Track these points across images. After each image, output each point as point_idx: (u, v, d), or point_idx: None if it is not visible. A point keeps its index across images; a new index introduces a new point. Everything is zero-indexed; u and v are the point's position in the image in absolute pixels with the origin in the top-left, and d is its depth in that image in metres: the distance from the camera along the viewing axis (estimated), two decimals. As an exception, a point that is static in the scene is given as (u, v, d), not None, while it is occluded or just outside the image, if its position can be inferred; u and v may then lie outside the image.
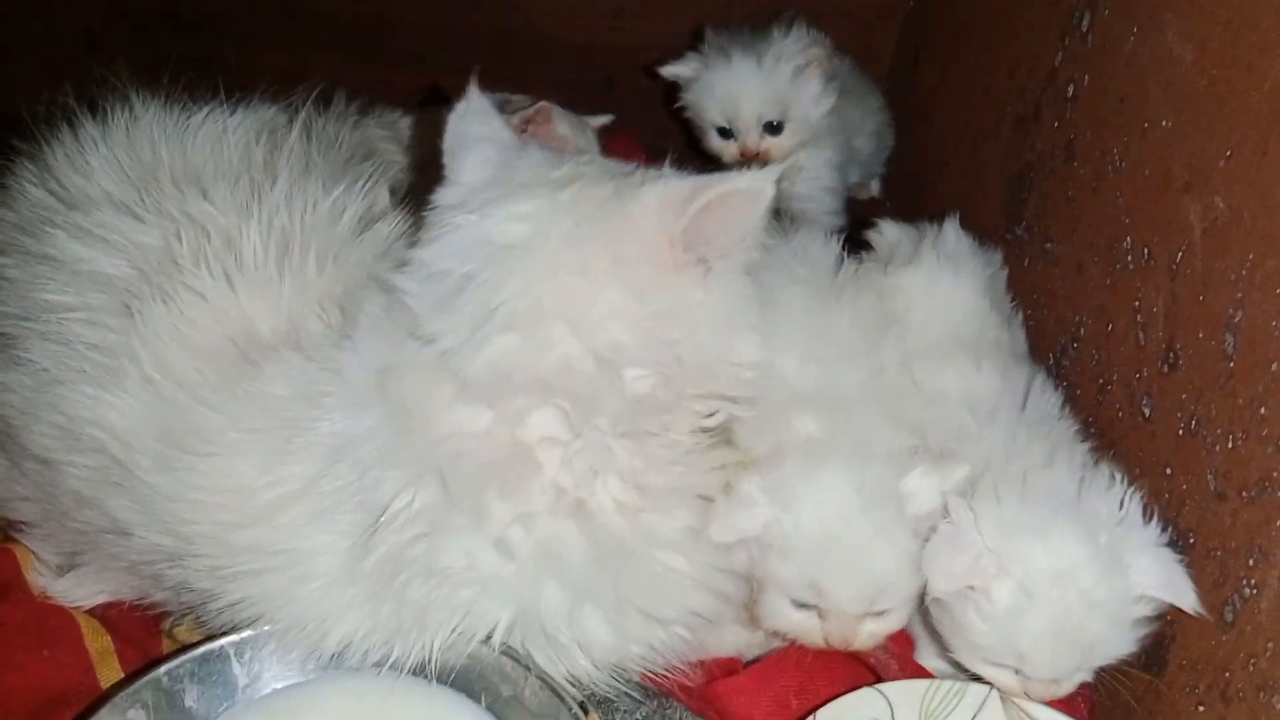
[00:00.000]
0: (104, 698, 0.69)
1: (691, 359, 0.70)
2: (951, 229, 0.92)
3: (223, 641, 0.73)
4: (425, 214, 0.73)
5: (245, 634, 0.73)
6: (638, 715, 0.78)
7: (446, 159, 0.75)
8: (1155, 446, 0.78)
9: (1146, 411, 0.79)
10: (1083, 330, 0.89)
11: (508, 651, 0.72)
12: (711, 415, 0.74)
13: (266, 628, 0.73)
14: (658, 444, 0.73)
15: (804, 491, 0.75)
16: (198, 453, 0.71)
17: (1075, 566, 0.68)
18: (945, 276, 0.89)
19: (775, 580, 0.76)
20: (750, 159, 1.21)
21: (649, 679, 0.80)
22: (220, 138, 0.83)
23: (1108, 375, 0.85)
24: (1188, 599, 0.69)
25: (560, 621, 0.73)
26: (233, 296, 0.75)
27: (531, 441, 0.70)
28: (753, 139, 1.21)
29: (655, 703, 0.79)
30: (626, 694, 0.79)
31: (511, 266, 0.67)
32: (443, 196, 0.73)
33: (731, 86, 1.19)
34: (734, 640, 0.86)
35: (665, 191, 0.67)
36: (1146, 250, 0.80)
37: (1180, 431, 0.75)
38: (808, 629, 0.77)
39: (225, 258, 0.75)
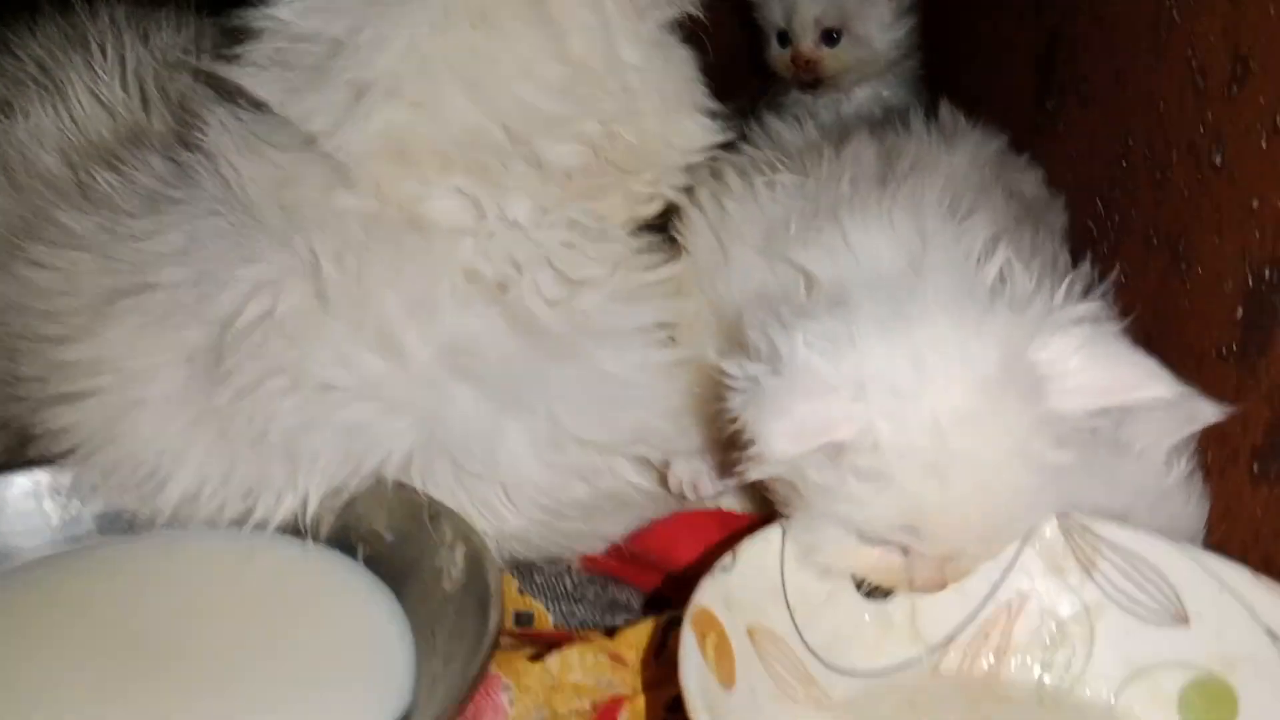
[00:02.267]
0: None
1: (627, 136, 0.61)
2: (944, 107, 0.78)
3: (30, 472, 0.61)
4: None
5: (58, 467, 0.60)
6: (564, 584, 0.62)
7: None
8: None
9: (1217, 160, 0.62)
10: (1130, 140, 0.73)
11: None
12: (651, 201, 0.65)
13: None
14: (591, 237, 0.61)
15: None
16: (36, 259, 0.63)
17: (960, 387, 0.47)
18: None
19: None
20: (801, 68, 1.14)
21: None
22: None
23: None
24: (1159, 385, 0.48)
25: (474, 445, 0.59)
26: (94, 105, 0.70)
27: (433, 226, 0.58)
28: (807, 45, 1.14)
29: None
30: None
31: (392, 22, 0.56)
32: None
33: (793, -17, 1.16)
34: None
35: None
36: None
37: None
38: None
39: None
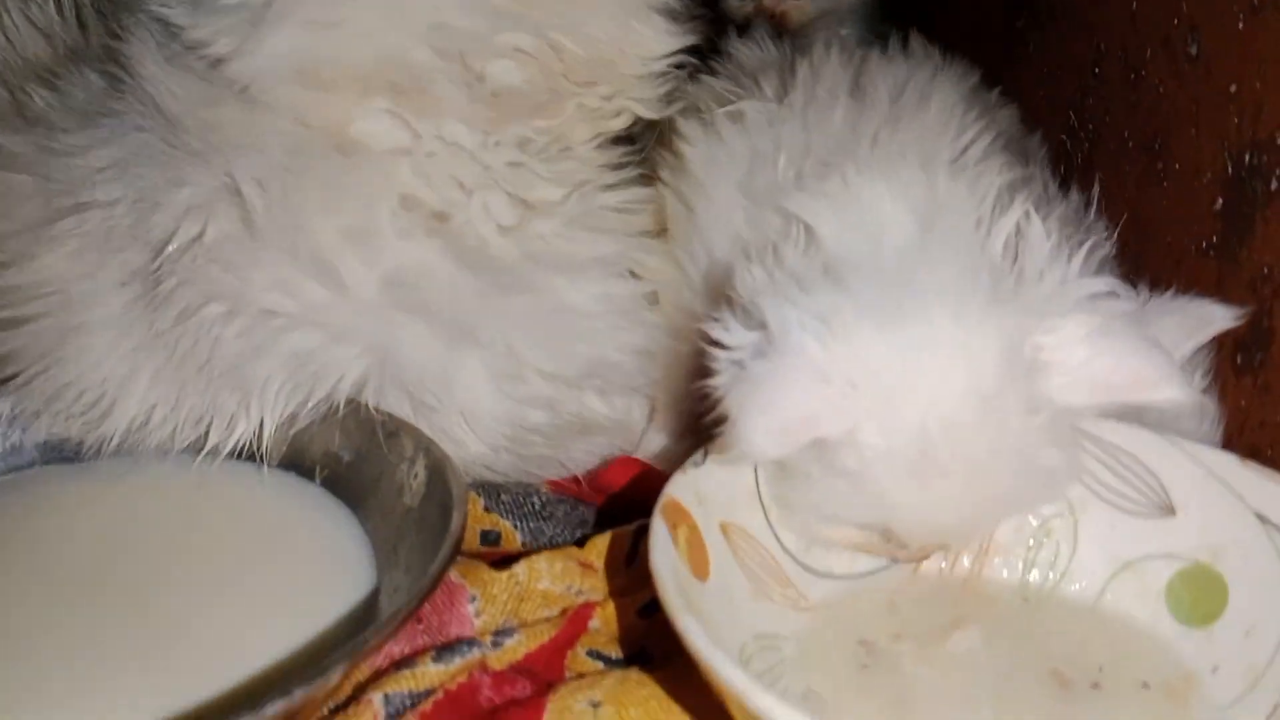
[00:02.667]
0: None
1: (572, 47, 0.57)
2: (915, 39, 0.73)
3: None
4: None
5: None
6: (532, 502, 0.60)
7: None
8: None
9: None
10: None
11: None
12: (616, 116, 0.60)
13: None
14: (546, 157, 0.58)
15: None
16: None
17: (953, 396, 0.43)
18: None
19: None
20: (766, 20, 1.10)
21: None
22: None
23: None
24: (1172, 386, 0.43)
25: (428, 376, 0.57)
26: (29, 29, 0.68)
27: (363, 150, 0.55)
28: (770, -2, 1.10)
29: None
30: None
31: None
32: None
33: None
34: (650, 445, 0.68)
35: None
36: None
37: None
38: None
39: None
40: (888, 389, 0.43)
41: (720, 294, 0.52)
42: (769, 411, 0.42)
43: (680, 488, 0.45)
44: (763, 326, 0.44)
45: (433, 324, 0.56)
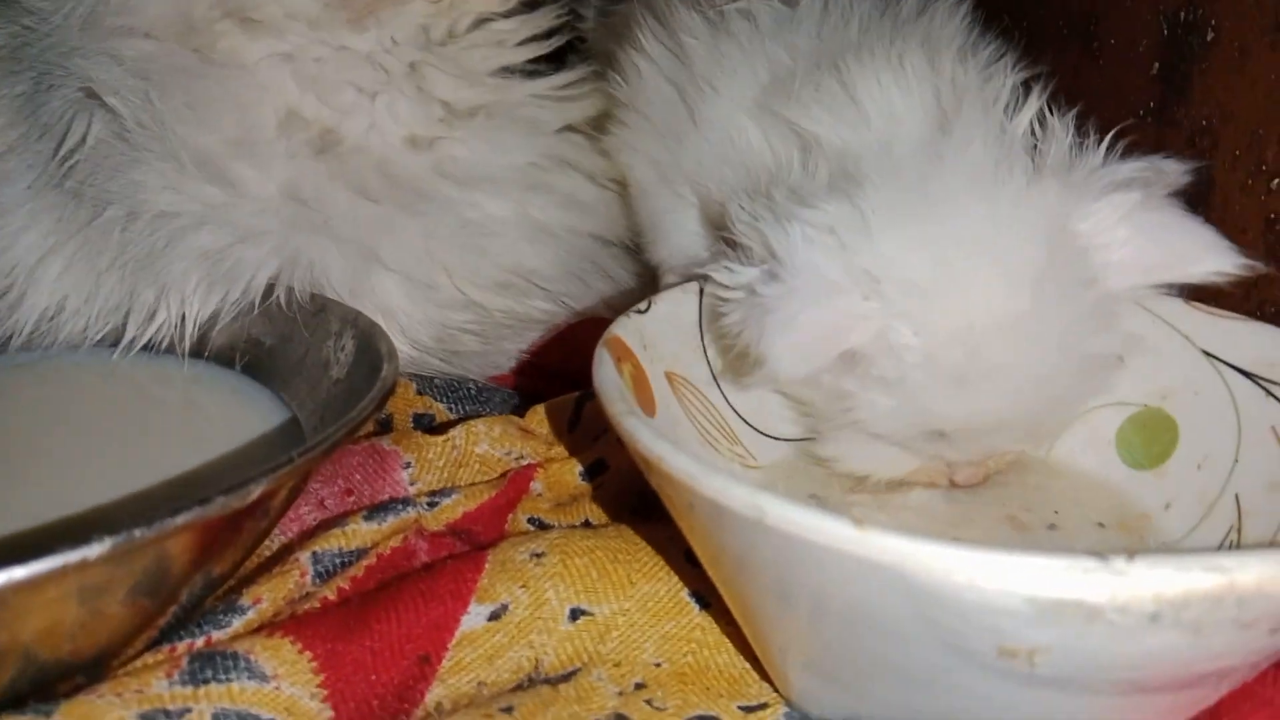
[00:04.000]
0: None
1: None
2: None
3: None
4: None
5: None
6: (468, 388, 0.57)
7: None
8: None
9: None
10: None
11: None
12: None
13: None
14: (451, 48, 0.56)
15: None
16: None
17: (999, 287, 0.39)
18: None
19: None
20: None
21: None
22: None
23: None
24: (1218, 257, 0.40)
25: (341, 286, 0.55)
26: None
27: (231, 62, 0.53)
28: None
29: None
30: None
31: None
32: None
33: None
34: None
35: None
36: None
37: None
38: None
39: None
40: (919, 287, 0.39)
41: (717, 231, 0.48)
42: (789, 330, 0.38)
43: (625, 329, 0.43)
44: (768, 253, 0.41)
45: (337, 243, 0.54)
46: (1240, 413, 0.44)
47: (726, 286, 0.42)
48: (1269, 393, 0.43)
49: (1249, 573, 0.26)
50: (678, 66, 0.54)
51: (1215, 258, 0.40)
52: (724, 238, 0.45)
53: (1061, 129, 0.42)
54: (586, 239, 0.61)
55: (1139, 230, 0.41)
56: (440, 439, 0.48)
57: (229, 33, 0.53)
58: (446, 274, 0.56)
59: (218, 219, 0.52)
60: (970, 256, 0.39)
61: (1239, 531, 0.42)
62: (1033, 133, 0.43)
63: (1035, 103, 0.44)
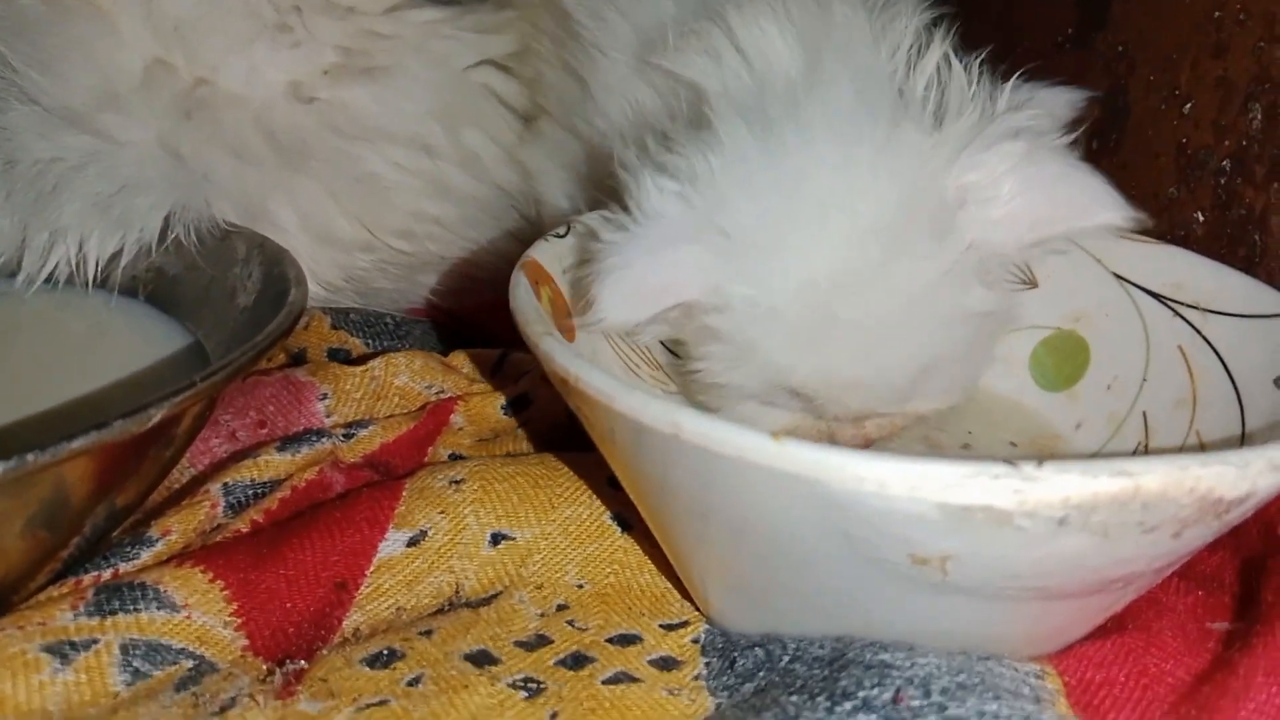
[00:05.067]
0: None
1: None
2: None
3: None
4: None
5: None
6: (385, 322, 0.56)
7: None
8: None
9: None
10: None
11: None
12: None
13: None
14: None
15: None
16: None
17: (845, 240, 0.37)
18: None
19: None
20: None
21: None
22: None
23: None
24: (1108, 211, 0.38)
25: (235, 228, 0.53)
26: None
27: (95, 3, 0.50)
28: None
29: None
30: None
31: None
32: None
33: None
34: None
35: None
36: None
37: None
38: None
39: None
40: (759, 239, 0.37)
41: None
42: (620, 277, 0.37)
43: (543, 253, 0.42)
44: (632, 204, 0.39)
45: (225, 197, 0.52)
46: (1149, 333, 0.45)
47: (593, 233, 0.40)
48: (1176, 313, 0.44)
49: (1154, 477, 0.26)
50: (563, 39, 0.52)
51: (1105, 211, 0.38)
52: (608, 185, 0.44)
53: (963, 75, 0.40)
54: (488, 188, 0.59)
55: (1026, 183, 0.38)
56: (359, 370, 0.47)
57: None
58: (345, 221, 0.55)
59: (100, 164, 0.50)
60: (815, 208, 0.37)
61: (1146, 449, 0.43)
62: (937, 79, 0.41)
63: (939, 47, 0.41)
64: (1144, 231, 0.46)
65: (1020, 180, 0.38)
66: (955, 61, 0.41)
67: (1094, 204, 0.38)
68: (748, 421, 0.39)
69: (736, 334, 0.39)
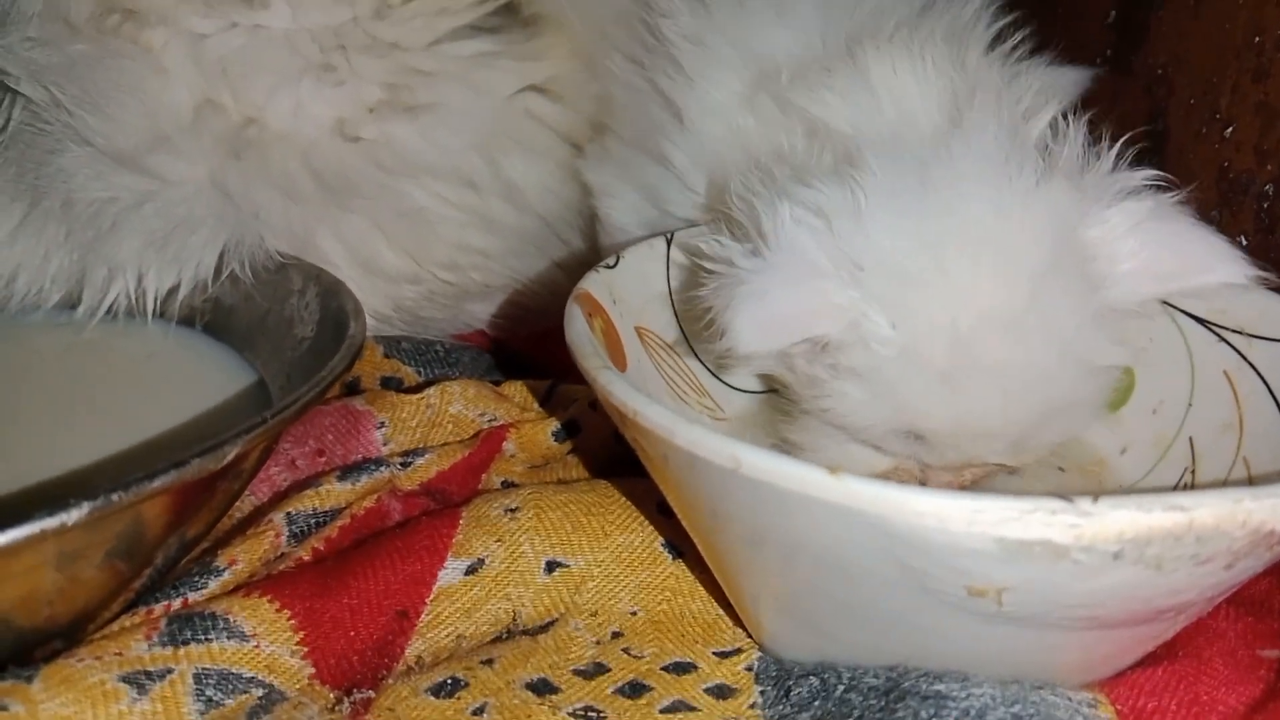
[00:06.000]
0: None
1: None
2: None
3: None
4: None
5: None
6: (435, 350, 0.57)
7: None
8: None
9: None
10: None
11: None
12: None
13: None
14: (375, 24, 0.54)
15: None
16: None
17: (993, 281, 0.37)
18: None
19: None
20: None
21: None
22: None
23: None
24: (1230, 267, 0.39)
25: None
26: None
27: (141, 46, 0.52)
28: None
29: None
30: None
31: None
32: None
33: None
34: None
35: None
36: None
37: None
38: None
39: None
40: (902, 275, 0.37)
41: (715, 209, 0.46)
42: (756, 305, 0.37)
43: (594, 285, 0.43)
44: (757, 230, 0.39)
45: (273, 231, 0.53)
46: (1194, 357, 0.45)
47: (710, 258, 0.40)
48: (1221, 337, 0.44)
49: (1207, 511, 0.27)
50: (652, 56, 0.51)
51: (1227, 268, 0.39)
52: (720, 211, 0.44)
53: (1076, 133, 0.41)
54: (532, 219, 0.60)
55: (1151, 239, 0.39)
56: (415, 398, 0.48)
57: (119, 26, 0.51)
58: (392, 255, 0.57)
59: (155, 204, 0.52)
60: (965, 248, 0.37)
61: (1194, 473, 0.44)
62: (1052, 134, 0.41)
63: (1054, 106, 0.42)
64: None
65: (1144, 236, 0.39)
66: (1071, 116, 0.41)
67: (1218, 260, 0.39)
68: (844, 457, 0.42)
69: (873, 373, 0.38)
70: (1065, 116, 0.41)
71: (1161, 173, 0.40)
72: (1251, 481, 0.41)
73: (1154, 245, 0.39)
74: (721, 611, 0.40)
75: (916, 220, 0.37)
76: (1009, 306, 0.37)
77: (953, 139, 0.39)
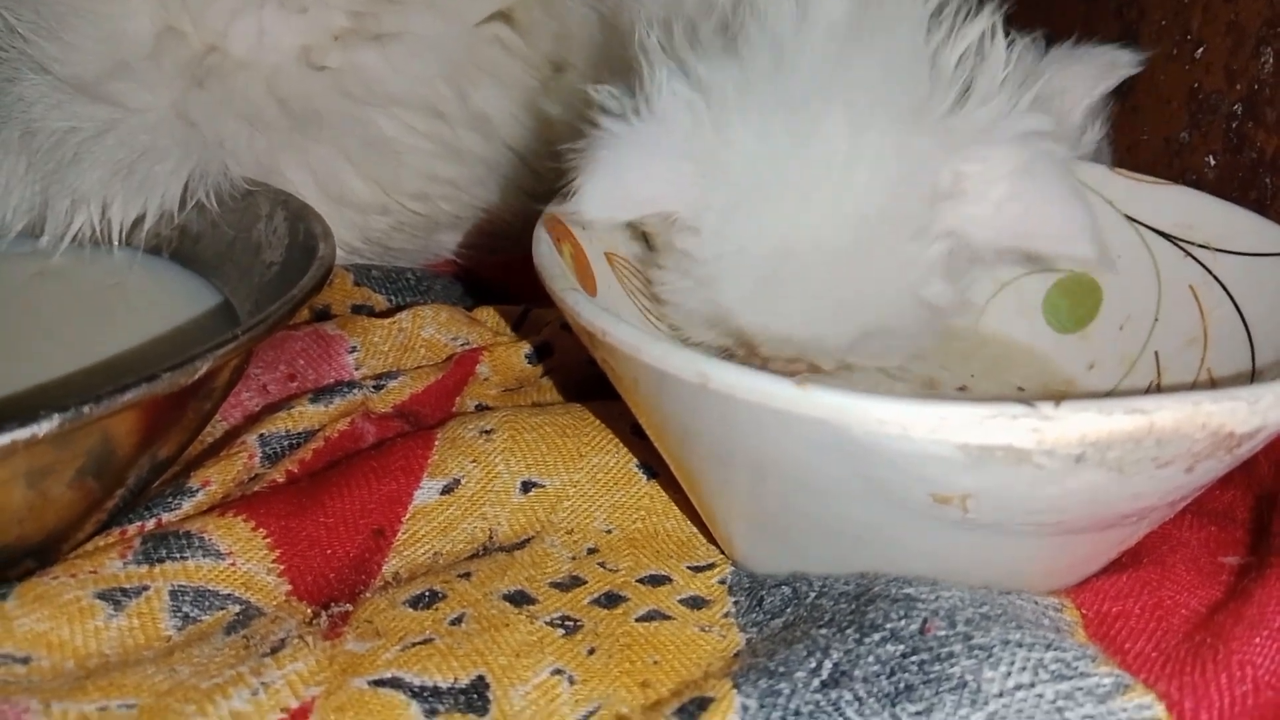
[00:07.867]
0: None
1: None
2: None
3: None
4: None
5: None
6: (406, 278, 0.57)
7: None
8: None
9: None
10: None
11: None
12: None
13: None
14: None
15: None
16: None
17: (827, 218, 0.37)
18: None
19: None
20: None
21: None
22: None
23: None
24: (1078, 246, 0.39)
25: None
26: None
27: None
28: None
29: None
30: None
31: None
32: None
33: None
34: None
35: None
36: None
37: None
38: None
39: None
40: (753, 182, 0.38)
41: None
42: (613, 175, 0.37)
43: (560, 210, 0.43)
44: (641, 93, 0.38)
45: (238, 161, 0.53)
46: (1161, 273, 0.46)
47: (594, 106, 0.39)
48: (1187, 253, 0.45)
49: (1167, 413, 0.27)
50: None
51: (1075, 245, 0.39)
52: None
53: (1002, 54, 0.40)
54: (499, 149, 0.59)
55: (1016, 192, 0.39)
56: (386, 322, 0.48)
57: None
58: (359, 184, 0.56)
59: (117, 133, 0.51)
60: (812, 176, 0.37)
61: (1159, 387, 0.44)
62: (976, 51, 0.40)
63: (986, 19, 0.41)
64: (1154, 173, 0.47)
65: (1013, 188, 0.39)
66: (1000, 37, 0.40)
67: (1071, 236, 0.39)
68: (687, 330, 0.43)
69: (700, 263, 0.39)
70: (994, 33, 0.40)
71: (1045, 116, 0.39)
72: (1214, 394, 0.42)
73: (1016, 200, 0.39)
74: (695, 530, 0.41)
75: (776, 131, 0.37)
76: (835, 239, 0.37)
77: (836, 49, 0.38)
